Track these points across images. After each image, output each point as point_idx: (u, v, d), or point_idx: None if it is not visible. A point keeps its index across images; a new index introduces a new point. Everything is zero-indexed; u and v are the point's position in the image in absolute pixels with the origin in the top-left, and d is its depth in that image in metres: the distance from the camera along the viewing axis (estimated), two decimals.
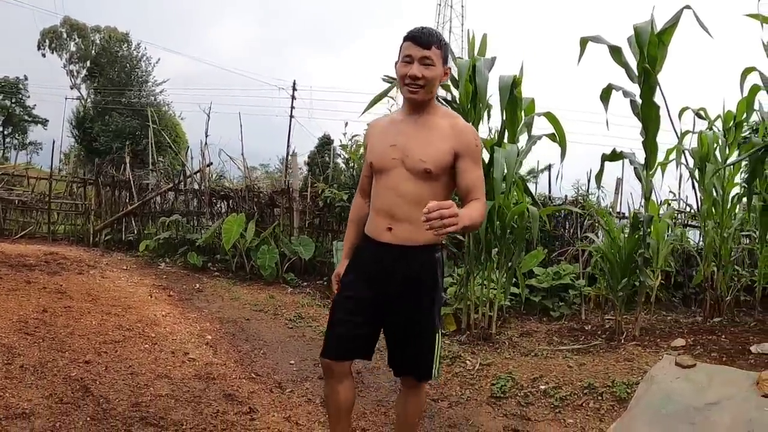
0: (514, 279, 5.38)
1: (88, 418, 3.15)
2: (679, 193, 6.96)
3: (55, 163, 14.17)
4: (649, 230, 4.73)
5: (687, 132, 5.30)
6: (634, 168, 4.76)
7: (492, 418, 3.43)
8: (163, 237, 9.72)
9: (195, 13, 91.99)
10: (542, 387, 3.68)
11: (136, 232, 10.96)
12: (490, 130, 5.37)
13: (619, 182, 8.12)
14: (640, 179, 4.80)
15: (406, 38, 2.27)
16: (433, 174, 2.25)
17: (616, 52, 4.42)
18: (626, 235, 5.04)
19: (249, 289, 7.36)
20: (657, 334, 4.91)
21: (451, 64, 2.95)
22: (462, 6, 42.44)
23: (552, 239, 6.93)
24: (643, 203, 4.93)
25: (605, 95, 4.53)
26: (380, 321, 2.40)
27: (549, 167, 8.99)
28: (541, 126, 13.14)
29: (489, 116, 5.09)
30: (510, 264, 5.01)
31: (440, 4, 42.19)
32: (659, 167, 4.95)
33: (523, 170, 6.74)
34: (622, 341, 4.60)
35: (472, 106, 4.81)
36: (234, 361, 4.47)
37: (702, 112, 5.31)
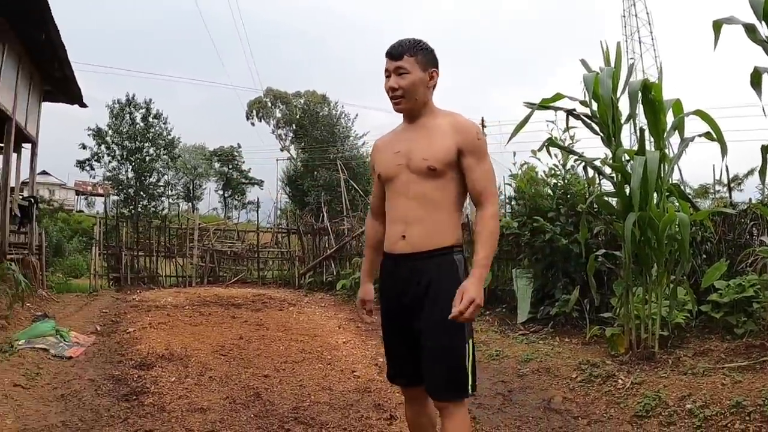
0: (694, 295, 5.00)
1: (252, 415, 3.78)
2: None
3: (273, 219, 16.18)
4: None
5: None
6: None
7: None
8: (358, 276, 10.49)
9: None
10: (688, 406, 3.43)
11: (335, 273, 11.90)
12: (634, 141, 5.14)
13: None
14: None
15: (385, 55, 2.31)
16: (438, 171, 2.22)
17: (750, 30, 4.01)
18: None
19: None
20: None
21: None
22: (647, 13, 39.90)
23: (737, 248, 6.22)
24: None
25: (756, 80, 4.10)
26: (416, 336, 2.27)
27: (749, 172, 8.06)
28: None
29: (634, 125, 4.89)
30: (673, 278, 4.69)
31: (624, 16, 40.10)
32: None
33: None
34: None
35: (610, 119, 4.70)
36: None
37: None
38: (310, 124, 37.88)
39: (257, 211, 16.45)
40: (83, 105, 11.96)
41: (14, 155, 10.12)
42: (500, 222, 7.80)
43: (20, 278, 6.68)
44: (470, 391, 2.20)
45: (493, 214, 2.21)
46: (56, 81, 10.85)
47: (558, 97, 4.85)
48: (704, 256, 5.88)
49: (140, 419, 3.68)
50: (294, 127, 40.14)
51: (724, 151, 4.52)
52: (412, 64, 2.26)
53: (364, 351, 5.92)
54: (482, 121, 32.55)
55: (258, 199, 18.25)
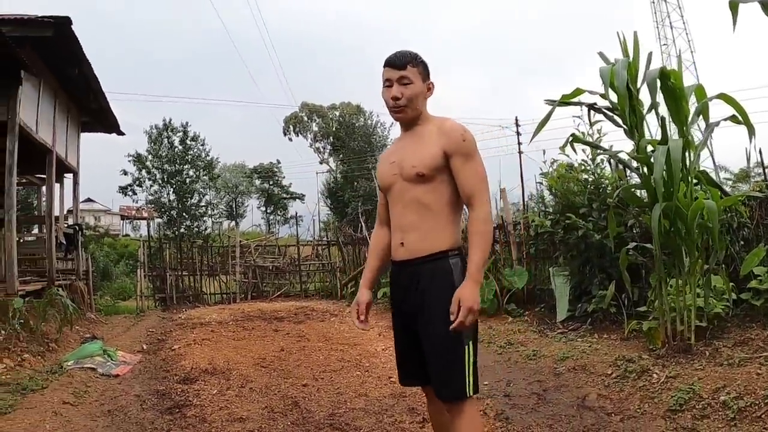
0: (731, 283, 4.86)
1: (290, 423, 3.89)
2: None
3: (314, 232, 16.39)
4: None
5: None
6: None
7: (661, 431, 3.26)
8: None
9: None
10: (722, 398, 3.33)
11: None
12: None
13: None
14: None
15: (384, 65, 2.34)
16: (426, 176, 2.24)
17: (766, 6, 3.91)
18: None
19: None
20: None
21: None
22: None
23: None
24: None
25: None
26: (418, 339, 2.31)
27: None
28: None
29: (657, 114, 4.81)
30: (707, 267, 4.58)
31: (654, 2, 39.11)
32: None
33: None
34: None
35: (631, 110, 4.64)
36: None
37: None
38: (347, 136, 38.19)
39: (297, 225, 16.69)
40: (120, 133, 12.42)
41: (57, 185, 10.59)
42: (534, 222, 7.89)
43: (68, 303, 6.98)
44: (470, 393, 2.21)
45: (485, 217, 2.22)
46: (93, 112, 11.34)
47: (578, 92, 4.81)
48: (742, 242, 5.70)
49: (182, 430, 3.82)
50: (331, 140, 40.47)
51: (751, 133, 4.41)
52: (414, 75, 2.30)
53: None
54: (516, 120, 32.27)
55: (296, 213, 18.54)
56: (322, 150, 42.10)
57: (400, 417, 3.90)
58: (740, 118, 4.41)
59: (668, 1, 38.51)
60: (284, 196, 50.79)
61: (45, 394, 4.51)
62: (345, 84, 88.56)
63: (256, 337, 7.49)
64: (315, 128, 41.56)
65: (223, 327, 8.52)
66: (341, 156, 38.96)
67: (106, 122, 11.81)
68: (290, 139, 43.05)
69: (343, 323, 8.66)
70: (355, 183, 34.73)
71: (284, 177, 51.22)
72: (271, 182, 50.04)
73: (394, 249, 2.40)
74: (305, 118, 41.50)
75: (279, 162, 50.78)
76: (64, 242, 10.33)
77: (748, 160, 7.29)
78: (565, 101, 4.89)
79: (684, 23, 36.84)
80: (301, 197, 50.45)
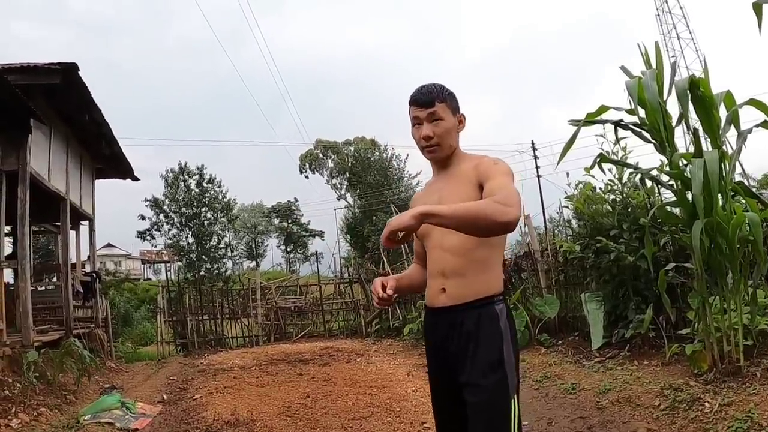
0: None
1: None
2: None
3: (334, 269, 16.25)
4: None
5: None
6: None
7: None
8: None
9: None
10: None
11: (401, 318, 11.71)
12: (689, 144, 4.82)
13: None
14: None
15: (410, 102, 2.22)
16: None
17: None
18: None
19: None
20: None
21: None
22: (681, 8, 38.98)
23: None
24: None
25: None
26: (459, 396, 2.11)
27: None
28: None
29: (688, 127, 4.60)
30: (750, 282, 4.30)
31: (659, 15, 39.30)
32: None
33: None
34: None
35: (661, 123, 4.43)
36: None
37: None
38: (362, 170, 38.29)
39: (317, 262, 16.54)
40: (135, 179, 12.43)
41: (73, 233, 10.55)
42: (562, 247, 7.63)
43: (85, 354, 6.82)
44: None
45: (492, 199, 1.88)
46: (106, 158, 11.35)
47: (603, 109, 4.61)
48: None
49: None
50: (347, 175, 40.62)
51: None
52: (444, 110, 2.17)
53: None
54: (533, 144, 32.25)
55: (317, 251, 18.44)
56: (339, 186, 42.23)
57: None
58: None
59: (673, 13, 38.64)
60: (303, 233, 50.90)
61: None
62: (357, 120, 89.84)
63: (280, 383, 7.23)
64: (330, 164, 41.75)
65: (246, 372, 8.28)
66: (358, 191, 39.02)
67: (120, 168, 11.85)
68: (306, 177, 43.22)
69: (370, 363, 8.38)
70: (374, 217, 34.67)
71: (302, 215, 51.52)
72: (289, 221, 50.20)
73: (432, 296, 2.21)
74: (320, 155, 41.74)
75: (296, 200, 51.12)
76: (81, 290, 10.27)
77: None
78: (590, 120, 4.70)
79: (690, 33, 36.93)
80: (321, 234, 50.54)
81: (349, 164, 40.40)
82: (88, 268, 11.60)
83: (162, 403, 6.48)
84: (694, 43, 37.76)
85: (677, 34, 37.90)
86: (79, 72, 7.83)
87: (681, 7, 39.34)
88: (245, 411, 5.64)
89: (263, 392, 6.65)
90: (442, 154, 2.22)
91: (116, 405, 5.79)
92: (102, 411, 5.62)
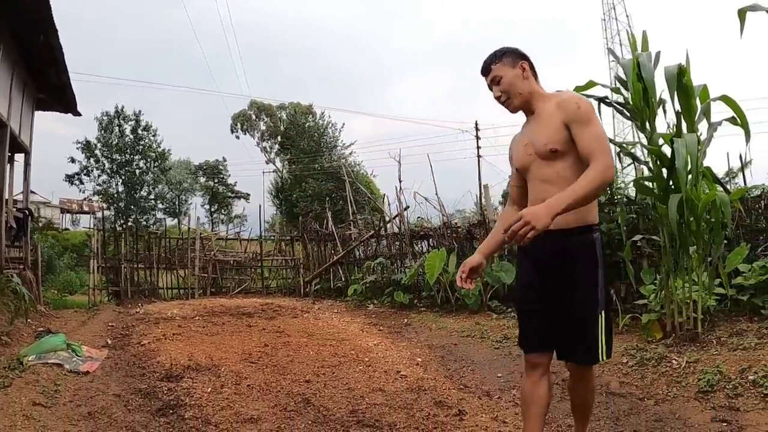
0: (718, 279, 5.00)
1: (310, 422, 3.64)
2: None
3: (260, 231, 16.10)
4: None
5: None
6: None
7: (699, 411, 3.35)
8: (370, 281, 10.40)
9: (374, 80, 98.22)
10: (751, 377, 3.50)
11: (343, 279, 11.82)
12: (668, 126, 5.15)
13: None
14: None
15: (480, 75, 2.60)
16: (560, 152, 2.35)
17: None
18: None
19: (455, 319, 7.61)
20: None
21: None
22: (627, 16, 40.71)
23: (755, 233, 6.25)
24: None
25: None
26: (552, 306, 2.42)
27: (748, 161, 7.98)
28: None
29: (665, 111, 4.91)
30: (710, 260, 4.69)
31: (605, 20, 40.84)
32: None
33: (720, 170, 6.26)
34: None
35: (644, 104, 4.71)
36: (443, 377, 4.79)
37: None
38: (297, 135, 37.86)
39: (241, 225, 16.23)
40: (77, 113, 11.62)
41: (8, 166, 9.79)
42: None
43: (23, 291, 6.31)
44: (602, 358, 2.39)
45: (601, 168, 2.19)
46: (51, 88, 10.47)
47: (591, 84, 4.87)
48: (725, 241, 5.90)
49: None
50: (279, 139, 40.02)
51: (747, 136, 4.58)
52: (500, 69, 2.51)
53: (398, 352, 5.85)
54: (476, 124, 32.96)
55: (242, 213, 18.09)
56: (269, 149, 41.63)
57: (431, 411, 3.78)
58: (739, 120, 4.56)
59: (619, 20, 40.13)
60: (229, 194, 49.75)
61: (9, 394, 3.89)
62: (306, 88, 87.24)
63: (230, 332, 7.14)
64: (263, 127, 41.06)
65: (190, 322, 8.10)
66: (289, 156, 38.57)
67: (64, 100, 10.93)
68: (237, 137, 42.70)
69: (319, 319, 8.43)
70: (304, 183, 34.43)
71: (230, 175, 50.28)
72: (216, 180, 48.95)
73: None
74: (253, 117, 40.94)
75: (225, 160, 49.84)
76: (15, 226, 9.63)
77: (742, 160, 7.48)
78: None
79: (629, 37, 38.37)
80: (246, 196, 49.59)
81: (283, 128, 39.82)
82: (20, 205, 10.87)
83: (107, 348, 6.21)
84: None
85: (620, 41, 39.27)
86: None
87: (627, 16, 40.92)
88: (203, 357, 5.52)
89: (216, 341, 6.54)
90: (516, 104, 2.53)
91: (62, 346, 5.36)
92: (47, 352, 5.19)
